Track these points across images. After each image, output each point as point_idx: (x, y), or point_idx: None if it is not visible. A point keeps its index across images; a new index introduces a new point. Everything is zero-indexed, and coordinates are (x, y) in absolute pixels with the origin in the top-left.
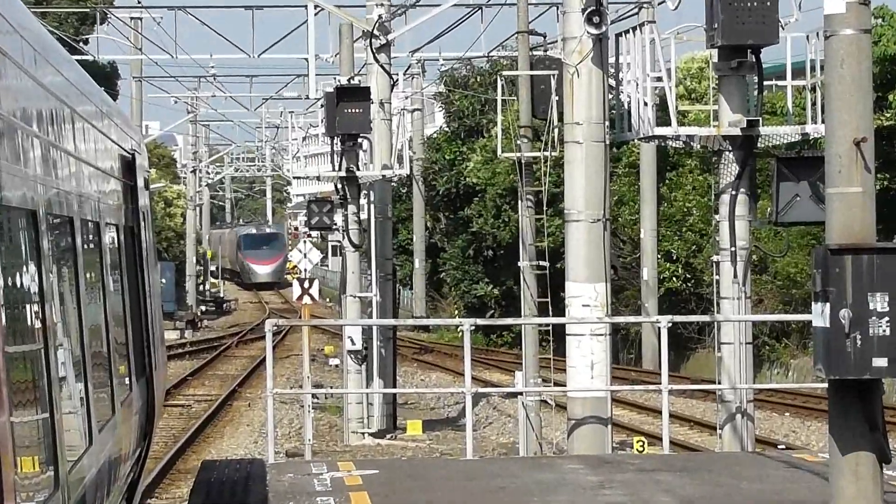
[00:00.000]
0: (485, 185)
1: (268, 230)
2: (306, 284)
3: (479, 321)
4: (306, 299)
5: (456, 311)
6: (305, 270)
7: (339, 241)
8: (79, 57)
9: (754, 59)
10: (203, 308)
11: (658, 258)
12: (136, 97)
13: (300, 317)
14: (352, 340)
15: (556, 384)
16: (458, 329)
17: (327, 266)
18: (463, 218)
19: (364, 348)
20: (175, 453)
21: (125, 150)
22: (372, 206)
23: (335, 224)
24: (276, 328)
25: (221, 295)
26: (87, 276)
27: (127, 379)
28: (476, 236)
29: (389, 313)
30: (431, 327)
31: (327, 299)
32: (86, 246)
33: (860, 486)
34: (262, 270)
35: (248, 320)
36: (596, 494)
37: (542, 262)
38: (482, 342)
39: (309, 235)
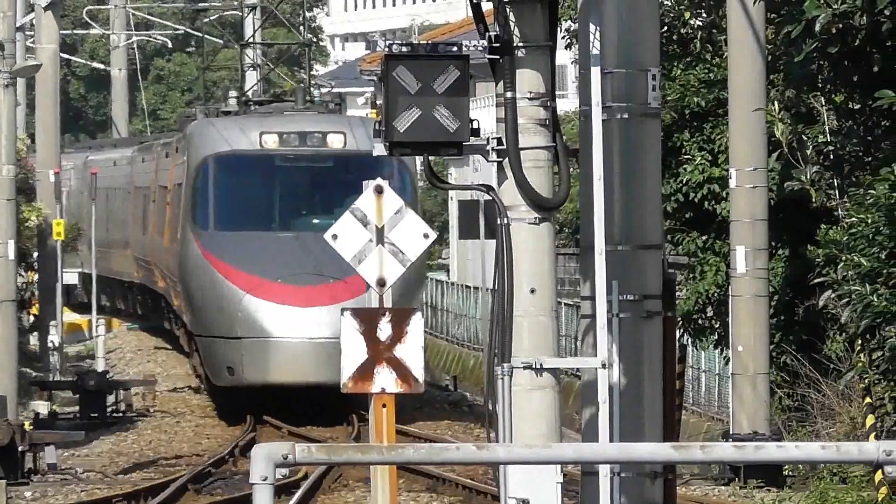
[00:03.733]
0: None
1: (332, 142)
2: (383, 328)
3: None
4: (384, 378)
5: (880, 415)
6: (381, 287)
7: (482, 191)
8: None
9: None
10: (39, 410)
11: None
12: None
13: (357, 433)
14: None
15: None
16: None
17: (446, 270)
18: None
19: None
20: None
21: None
22: (597, 79)
23: (468, 135)
24: (286, 474)
25: (99, 367)
26: None
27: None
28: None
29: (656, 420)
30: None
31: (445, 375)
32: None
33: None
34: (301, 329)
35: (190, 448)
36: None
37: None
38: None
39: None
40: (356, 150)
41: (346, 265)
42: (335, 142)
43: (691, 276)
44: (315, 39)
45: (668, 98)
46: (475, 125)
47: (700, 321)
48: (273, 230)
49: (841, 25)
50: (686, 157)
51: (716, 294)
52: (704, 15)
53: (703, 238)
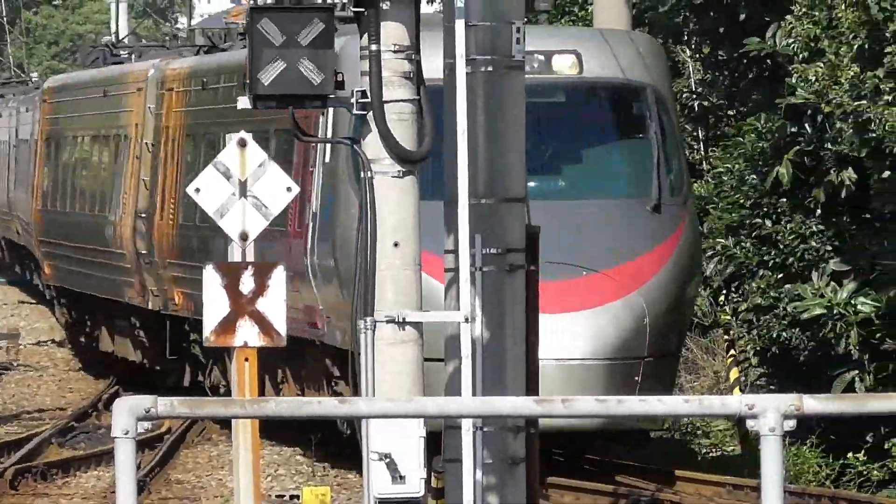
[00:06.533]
0: None
1: (562, 65)
2: (245, 282)
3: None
4: (246, 332)
5: (744, 369)
6: (244, 241)
7: (346, 144)
8: None
9: None
10: None
11: None
12: None
13: (222, 385)
14: (388, 464)
15: None
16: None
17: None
18: (766, 76)
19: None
20: None
21: None
22: (461, 32)
23: (333, 87)
24: (148, 428)
25: None
26: None
27: None
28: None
29: (519, 375)
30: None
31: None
32: None
33: None
34: (547, 346)
35: (53, 402)
36: None
37: None
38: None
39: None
40: (596, 78)
41: (612, 250)
42: (565, 65)
43: None
44: None
45: None
46: (339, 78)
47: None
48: None
49: None
50: None
51: None
52: None
53: None
